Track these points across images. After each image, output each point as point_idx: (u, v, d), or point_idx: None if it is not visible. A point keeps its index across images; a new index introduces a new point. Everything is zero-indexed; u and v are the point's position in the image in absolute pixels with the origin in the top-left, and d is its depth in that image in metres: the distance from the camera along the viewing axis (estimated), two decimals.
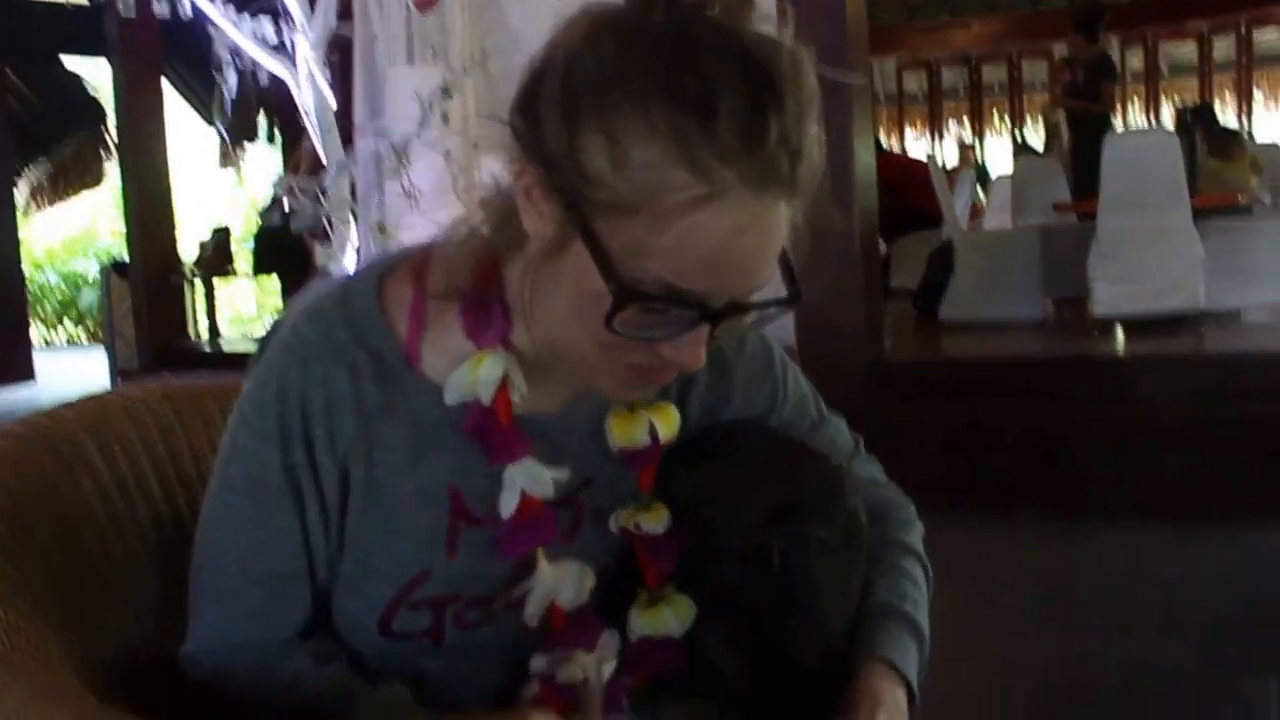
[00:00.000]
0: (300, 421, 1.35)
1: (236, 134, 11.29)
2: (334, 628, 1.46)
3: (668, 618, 1.50)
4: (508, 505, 1.38)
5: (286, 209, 7.82)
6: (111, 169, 13.79)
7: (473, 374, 1.36)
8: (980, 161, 17.06)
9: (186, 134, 13.63)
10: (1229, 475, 5.62)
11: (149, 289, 9.91)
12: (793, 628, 1.50)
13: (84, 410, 1.64)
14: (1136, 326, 7.33)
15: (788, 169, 1.20)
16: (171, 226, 10.28)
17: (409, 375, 1.38)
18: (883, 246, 8.84)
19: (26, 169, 14.64)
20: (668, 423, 1.48)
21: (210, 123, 12.59)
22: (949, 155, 17.79)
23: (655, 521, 1.49)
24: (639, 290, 1.20)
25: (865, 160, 6.47)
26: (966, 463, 6.02)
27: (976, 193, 13.33)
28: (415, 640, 1.44)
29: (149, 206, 9.97)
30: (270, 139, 12.19)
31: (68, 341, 19.49)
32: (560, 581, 1.42)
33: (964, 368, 7.03)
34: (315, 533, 1.39)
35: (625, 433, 1.46)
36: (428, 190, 6.37)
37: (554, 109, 1.21)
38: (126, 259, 10.92)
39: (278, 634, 1.41)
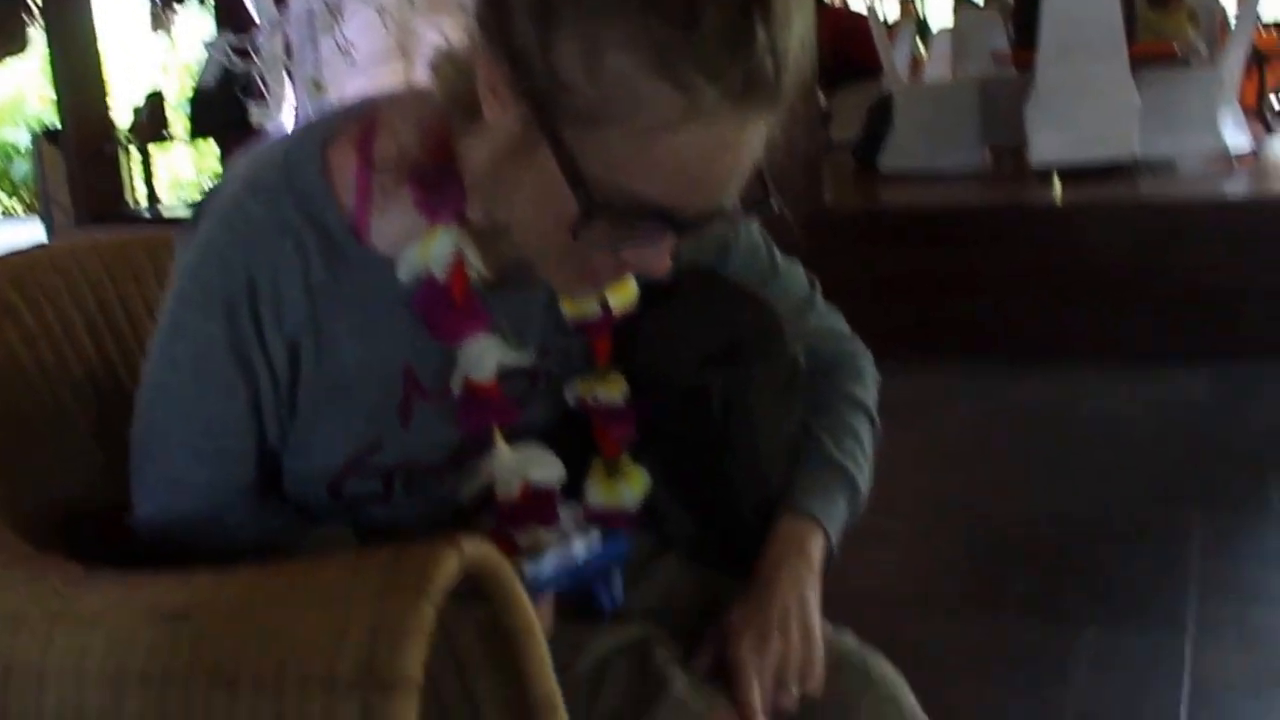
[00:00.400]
0: (246, 299, 1.29)
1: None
2: (280, 486, 1.43)
3: (623, 491, 1.48)
4: (459, 384, 1.35)
5: (220, 70, 7.71)
6: (37, 35, 13.45)
7: (426, 251, 1.30)
8: (921, 15, 16.91)
9: None
10: (1156, 320, 5.71)
11: (83, 157, 9.69)
12: (731, 472, 1.51)
13: (8, 263, 1.61)
14: (1073, 175, 7.34)
15: (773, 81, 1.14)
16: (103, 92, 10.04)
17: (358, 250, 1.32)
18: (822, 99, 8.81)
19: None
20: (622, 293, 1.44)
21: None
22: (889, 9, 17.63)
23: (613, 392, 1.47)
24: (608, 204, 1.15)
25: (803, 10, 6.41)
26: (904, 310, 6.07)
27: (916, 45, 13.25)
28: (364, 501, 1.43)
29: (78, 72, 9.71)
30: (201, 1, 11.96)
31: (2, 213, 19.16)
32: (523, 463, 1.39)
33: (903, 217, 7.04)
34: (266, 407, 1.34)
35: (576, 304, 1.43)
36: (363, 47, 6.29)
37: (526, 2, 1.14)
38: (58, 126, 10.73)
39: (226, 503, 1.38)
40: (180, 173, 16.95)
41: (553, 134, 1.15)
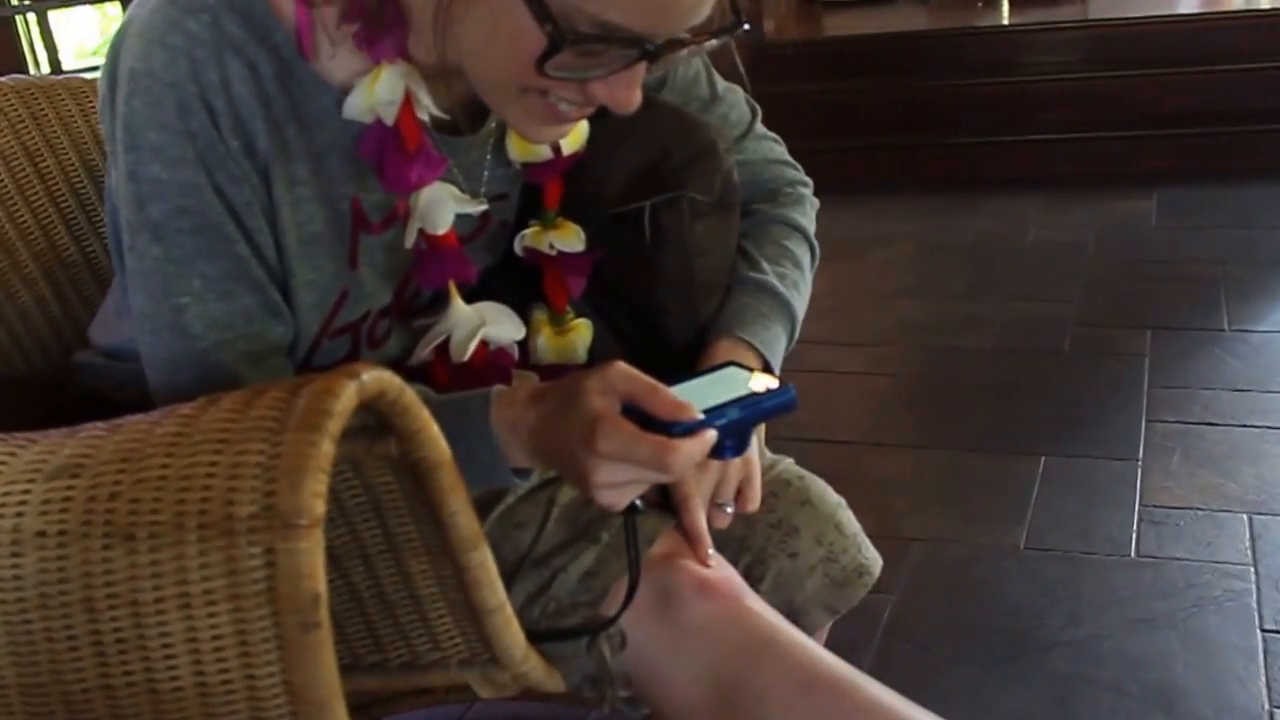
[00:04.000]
0: (213, 131, 1.20)
1: None
2: None
3: (575, 344, 1.46)
4: (412, 233, 1.31)
5: None
6: None
7: (370, 91, 1.24)
8: None
9: None
10: (1103, 142, 5.68)
11: None
12: (663, 301, 1.48)
13: None
14: None
15: None
16: None
17: (310, 74, 1.24)
18: None
19: None
20: (572, 134, 1.39)
21: None
22: None
23: (569, 239, 1.43)
24: (576, 31, 1.10)
25: None
26: (851, 140, 6.04)
27: None
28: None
29: None
30: None
31: None
32: (486, 320, 1.36)
33: (846, 45, 6.98)
34: (271, 256, 1.27)
35: (524, 145, 1.38)
36: None
37: None
38: None
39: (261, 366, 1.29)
40: (84, 39, 16.45)
41: None
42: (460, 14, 1.15)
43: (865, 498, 1.48)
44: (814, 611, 1.44)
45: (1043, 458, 3.10)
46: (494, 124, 1.38)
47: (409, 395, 1.05)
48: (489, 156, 1.40)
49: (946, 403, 3.60)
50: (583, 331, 1.47)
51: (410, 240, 1.31)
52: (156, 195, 1.21)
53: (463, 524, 1.13)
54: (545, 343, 1.46)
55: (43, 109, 1.66)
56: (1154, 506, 2.83)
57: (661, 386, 1.14)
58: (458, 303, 1.35)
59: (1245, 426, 3.17)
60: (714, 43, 1.20)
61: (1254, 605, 2.44)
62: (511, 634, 1.23)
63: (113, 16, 13.40)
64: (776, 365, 1.49)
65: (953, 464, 3.17)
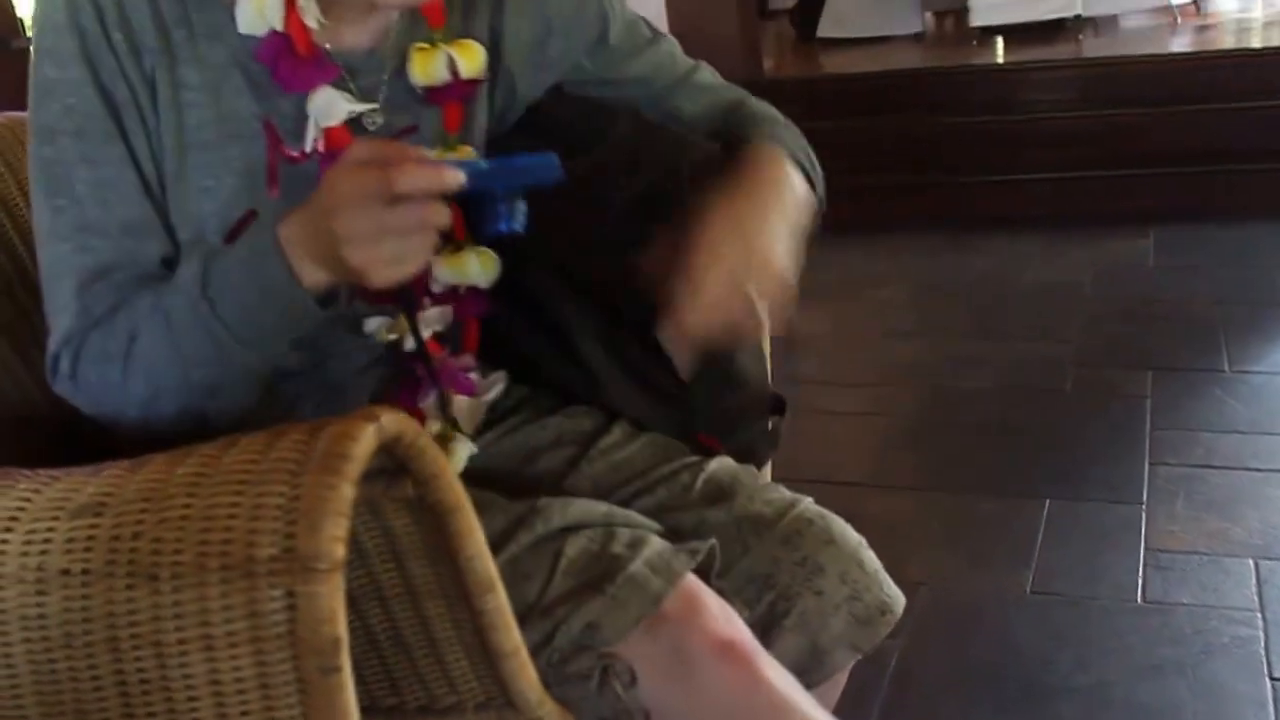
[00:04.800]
0: (98, 27, 1.25)
1: None
2: None
3: (470, 264, 1.45)
4: (310, 136, 1.33)
5: None
6: None
7: (259, 1, 1.29)
8: None
9: None
10: (1100, 182, 5.69)
11: None
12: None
13: None
14: (1016, 34, 7.30)
15: None
16: None
17: None
18: None
19: None
20: (469, 58, 1.42)
21: None
22: None
23: (460, 157, 1.43)
24: None
25: None
26: (848, 179, 6.01)
27: None
28: None
29: None
30: None
31: None
32: None
33: (843, 84, 6.98)
34: (147, 166, 1.29)
35: (425, 68, 1.41)
36: None
37: None
38: None
39: (133, 292, 1.30)
40: None
41: None
42: None
43: (869, 540, 1.46)
44: (838, 650, 1.43)
45: (1047, 500, 3.08)
46: (389, 54, 1.41)
47: (426, 438, 1.06)
48: (385, 78, 1.41)
49: (949, 444, 3.59)
50: (485, 258, 1.47)
51: (309, 142, 1.33)
52: (47, 95, 1.27)
53: (479, 568, 1.13)
54: (442, 263, 1.45)
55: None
56: (1159, 551, 2.81)
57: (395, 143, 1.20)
58: None
59: (1248, 470, 3.16)
60: None
61: (1262, 652, 2.43)
62: (527, 678, 1.22)
63: None
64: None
65: (956, 506, 3.15)
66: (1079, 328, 4.34)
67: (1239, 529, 2.88)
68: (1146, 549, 2.82)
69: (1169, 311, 4.42)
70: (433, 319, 1.46)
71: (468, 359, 1.51)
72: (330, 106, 1.32)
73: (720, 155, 1.51)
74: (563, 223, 1.43)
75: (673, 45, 1.64)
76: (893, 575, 1.46)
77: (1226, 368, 3.83)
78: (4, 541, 1.04)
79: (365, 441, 0.98)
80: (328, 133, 1.33)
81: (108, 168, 1.28)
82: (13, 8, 9.83)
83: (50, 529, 1.03)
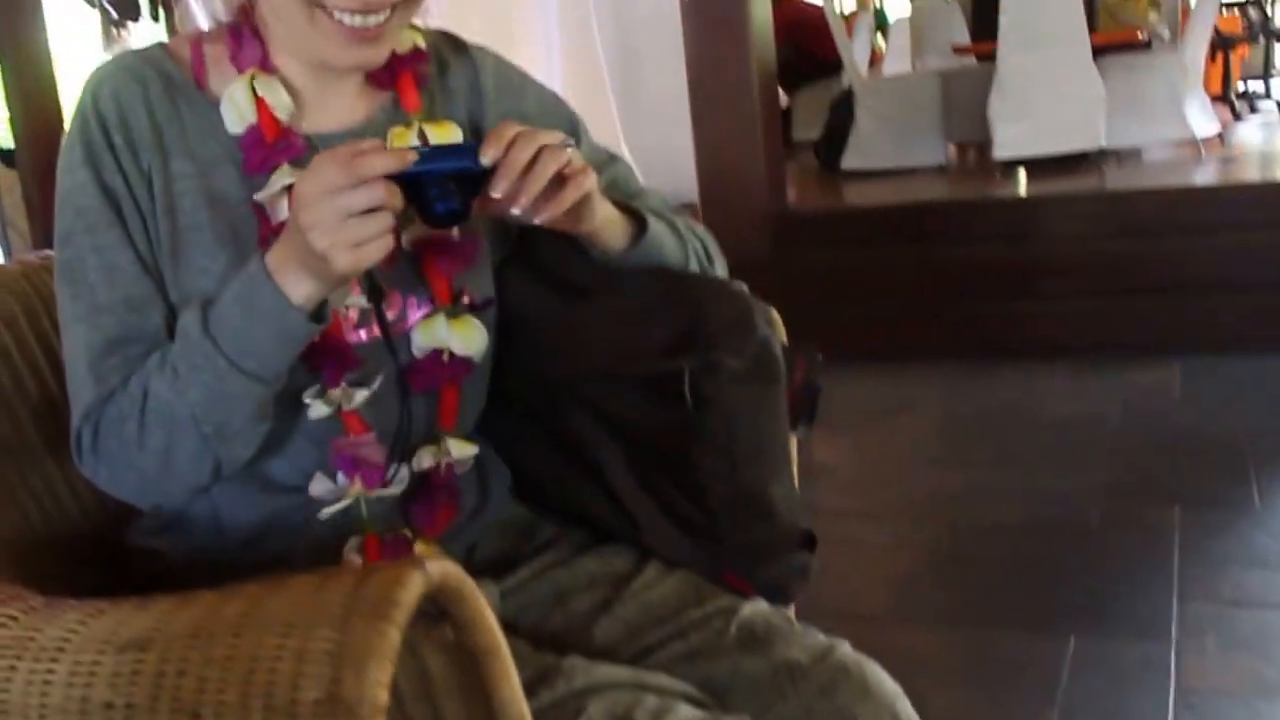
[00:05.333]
0: (101, 134, 1.43)
1: (120, 12, 10.94)
2: None
3: (438, 327, 1.51)
4: (275, 207, 1.44)
5: None
6: None
7: (233, 98, 1.47)
8: (878, 5, 16.90)
9: (65, 13, 13.22)
10: (1125, 313, 5.68)
11: (39, 178, 9.57)
12: (703, 463, 1.48)
13: None
14: (1038, 167, 7.34)
15: None
16: (58, 112, 9.91)
17: (197, 93, 1.49)
18: (782, 98, 8.79)
19: None
20: (443, 132, 1.54)
21: (91, 4, 12.22)
22: (846, 1, 17.61)
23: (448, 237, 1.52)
24: None
25: (761, 10, 6.39)
26: (871, 308, 6.05)
27: (875, 38, 13.23)
28: None
29: (32, 93, 9.59)
30: (154, 16, 11.84)
31: None
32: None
33: (867, 215, 7.02)
34: (144, 248, 1.44)
35: (402, 144, 1.49)
36: None
37: None
38: (11, 147, 10.58)
39: (145, 366, 1.41)
40: None
41: None
42: None
43: (891, 675, 1.46)
44: None
45: (1072, 637, 3.04)
46: (370, 137, 1.45)
47: (469, 585, 1.08)
48: None
49: (973, 577, 3.56)
50: (464, 326, 1.53)
51: (275, 215, 1.44)
52: (64, 205, 1.45)
53: (514, 713, 1.13)
54: (417, 330, 1.51)
55: None
56: (1190, 691, 2.77)
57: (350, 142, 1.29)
58: None
59: None
60: None
61: None
62: None
63: None
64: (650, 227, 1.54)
65: (979, 642, 3.12)
66: (1104, 460, 4.33)
67: (1272, 669, 2.84)
68: (1176, 689, 2.78)
69: (1196, 444, 4.40)
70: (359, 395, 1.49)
71: (368, 438, 1.49)
72: (284, 178, 1.43)
73: (747, 296, 1.53)
74: (594, 362, 1.51)
75: (627, 168, 1.73)
76: (916, 712, 1.45)
77: (1256, 501, 3.81)
78: (50, 672, 1.06)
79: (413, 588, 1.01)
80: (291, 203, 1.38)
81: (110, 251, 1.42)
82: (63, 136, 9.99)
83: (96, 662, 1.04)
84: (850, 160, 8.51)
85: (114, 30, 12.01)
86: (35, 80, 9.61)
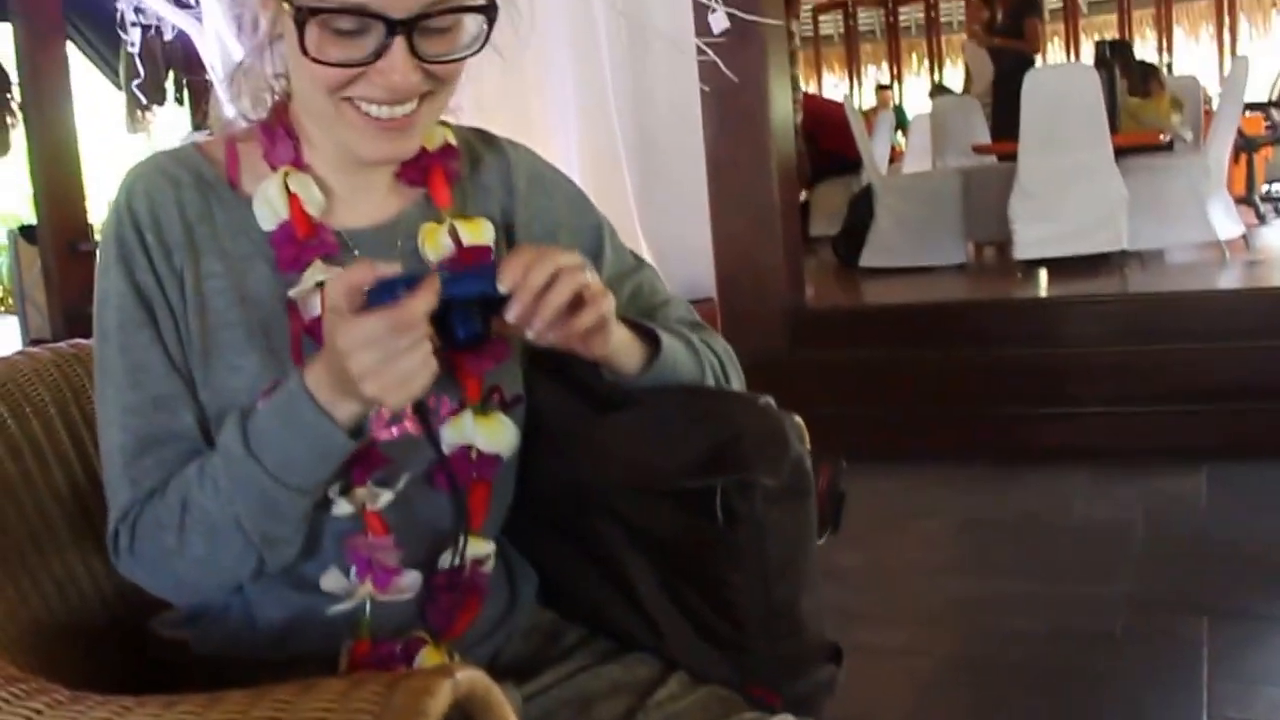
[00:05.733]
0: (134, 233, 1.45)
1: (146, 96, 11.04)
2: None
3: (466, 424, 1.50)
4: (308, 304, 1.45)
5: None
6: (18, 138, 13.49)
7: (266, 194, 1.48)
8: (898, 102, 17.02)
9: (92, 95, 13.35)
10: (1148, 416, 5.61)
11: (59, 255, 9.69)
12: (732, 578, 1.48)
13: None
14: (1060, 268, 7.32)
15: None
16: (81, 192, 10.04)
17: (230, 192, 1.51)
18: (802, 193, 8.79)
19: None
20: (474, 229, 1.55)
21: (118, 86, 12.35)
22: (866, 98, 17.73)
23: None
24: (316, 7, 1.34)
25: (782, 104, 6.39)
26: (890, 409, 5.99)
27: (895, 135, 13.27)
28: None
29: (56, 171, 9.76)
30: (179, 101, 11.95)
31: None
32: None
33: (886, 314, 7.01)
34: (174, 348, 1.45)
35: (432, 241, 1.53)
36: None
37: None
38: (33, 224, 10.69)
39: (179, 470, 1.43)
40: None
41: None
42: (292, 68, 1.47)
43: None
44: None
45: None
46: (402, 234, 1.54)
47: (495, 694, 1.13)
48: (396, 256, 1.51)
49: (992, 688, 3.49)
50: (493, 424, 1.52)
51: (307, 311, 1.45)
52: (102, 303, 1.47)
53: None
54: (447, 426, 1.51)
55: None
56: None
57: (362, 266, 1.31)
58: None
59: None
60: (465, 16, 1.40)
61: None
62: None
63: None
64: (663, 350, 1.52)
65: None
66: (1130, 568, 4.25)
67: None
68: None
69: (1225, 552, 4.31)
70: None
71: (385, 541, 1.49)
72: (316, 274, 1.45)
73: (779, 412, 1.52)
74: (624, 473, 1.51)
75: (653, 274, 1.73)
76: None
77: None
78: None
79: (441, 697, 1.05)
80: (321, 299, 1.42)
81: (139, 351, 1.44)
82: (85, 214, 10.14)
83: None
84: (869, 257, 8.52)
85: (139, 113, 12.15)
86: (59, 159, 9.74)
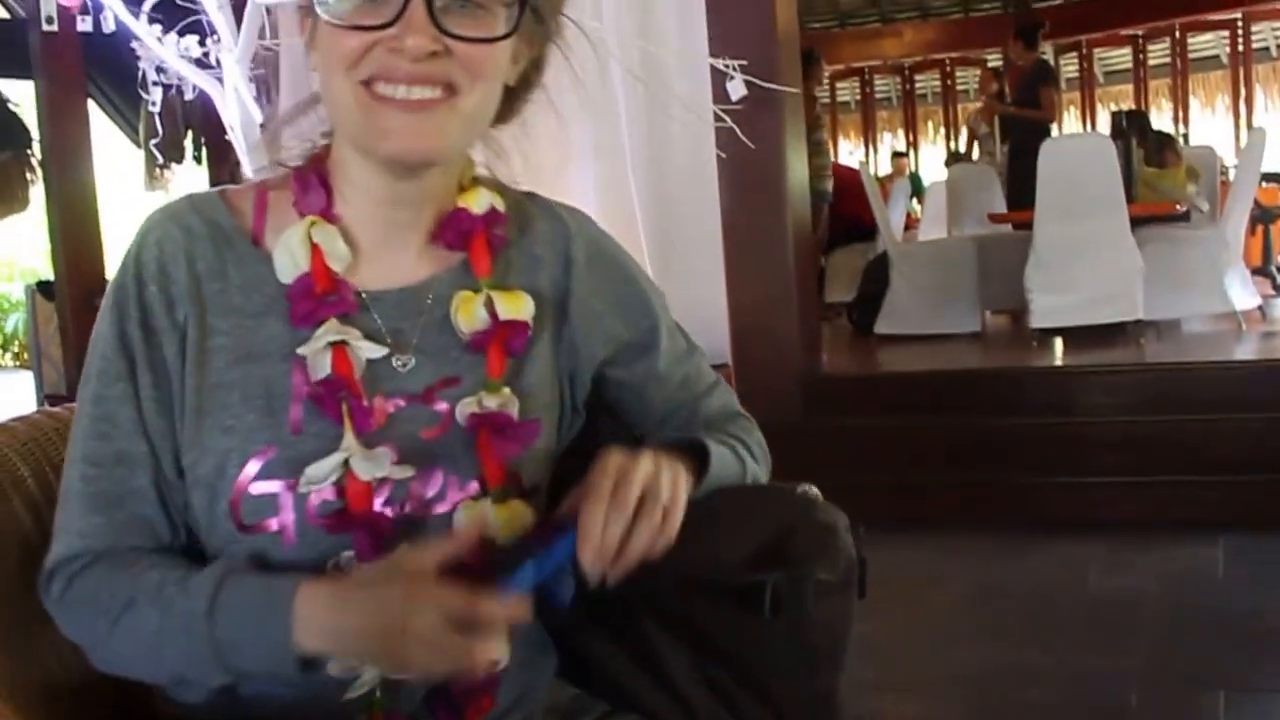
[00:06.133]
0: (135, 284, 1.42)
1: (165, 154, 11.10)
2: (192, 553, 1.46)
3: (483, 512, 1.44)
4: (319, 360, 1.41)
5: None
6: (37, 193, 13.58)
7: (291, 238, 1.44)
8: (914, 169, 17.05)
9: (111, 151, 13.42)
10: (1164, 487, 5.58)
11: (76, 311, 9.73)
12: (777, 665, 1.48)
13: (15, 433, 1.65)
14: (1075, 337, 7.29)
15: None
16: (99, 248, 10.10)
17: (250, 247, 1.46)
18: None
19: None
20: (512, 304, 1.49)
21: (138, 144, 12.41)
22: (882, 165, 17.77)
23: (498, 401, 1.46)
24: None
25: (798, 170, 6.40)
26: (904, 476, 5.97)
27: (911, 202, 13.29)
28: (267, 536, 1.40)
29: (76, 228, 9.84)
30: (197, 160, 12.00)
31: None
32: (355, 457, 1.39)
33: (900, 381, 7.00)
34: (148, 406, 1.42)
35: (466, 313, 1.47)
36: None
37: None
38: (51, 279, 10.73)
39: (128, 538, 1.42)
40: None
41: None
42: (320, 74, 1.42)
43: None
44: None
45: None
46: (435, 301, 1.49)
47: None
48: (422, 322, 1.48)
49: None
50: (513, 512, 1.46)
51: (315, 371, 1.40)
52: (90, 347, 1.45)
53: None
54: (462, 511, 1.44)
55: None
56: None
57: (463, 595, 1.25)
58: (348, 436, 1.40)
59: None
60: (500, 10, 1.37)
61: None
62: None
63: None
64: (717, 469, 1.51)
65: None
66: (1145, 640, 4.20)
67: None
68: None
69: (1242, 626, 4.26)
70: None
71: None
72: (329, 334, 1.41)
73: (827, 505, 1.53)
74: (667, 568, 1.43)
75: (702, 361, 1.71)
76: None
77: None
78: None
79: None
80: (335, 365, 1.40)
81: (111, 404, 1.42)
82: (103, 270, 10.19)
83: None
84: (884, 324, 8.51)
85: (157, 170, 12.21)
86: (79, 215, 9.83)
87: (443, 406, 1.45)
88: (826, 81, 17.23)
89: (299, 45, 1.48)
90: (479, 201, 1.53)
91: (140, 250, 1.43)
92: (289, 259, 1.43)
